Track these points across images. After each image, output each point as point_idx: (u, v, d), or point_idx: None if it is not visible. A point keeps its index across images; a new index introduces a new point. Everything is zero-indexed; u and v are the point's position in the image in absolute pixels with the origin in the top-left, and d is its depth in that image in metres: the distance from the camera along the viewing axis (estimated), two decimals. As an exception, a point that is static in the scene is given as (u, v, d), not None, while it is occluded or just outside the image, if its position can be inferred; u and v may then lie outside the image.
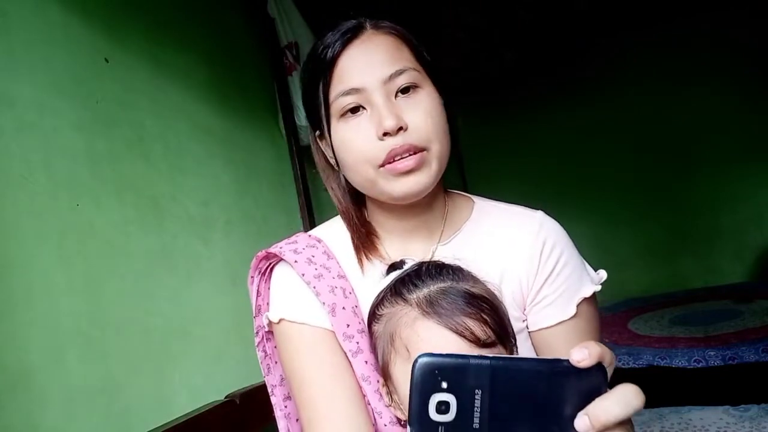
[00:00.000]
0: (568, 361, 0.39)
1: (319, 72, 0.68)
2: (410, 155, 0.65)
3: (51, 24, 1.36)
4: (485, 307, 0.59)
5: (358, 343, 0.69)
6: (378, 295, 0.67)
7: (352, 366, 0.69)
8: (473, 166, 4.39)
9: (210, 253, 1.76)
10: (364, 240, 0.75)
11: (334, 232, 0.80)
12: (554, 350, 0.71)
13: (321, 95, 0.69)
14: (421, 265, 0.66)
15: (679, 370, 2.37)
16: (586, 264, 0.76)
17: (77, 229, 1.33)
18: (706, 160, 3.78)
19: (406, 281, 0.63)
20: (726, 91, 3.65)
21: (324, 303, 0.69)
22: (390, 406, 0.65)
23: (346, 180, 0.74)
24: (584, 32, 3.73)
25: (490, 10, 3.10)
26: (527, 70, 4.04)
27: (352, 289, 0.73)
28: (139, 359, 1.41)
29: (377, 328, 0.65)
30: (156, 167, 1.62)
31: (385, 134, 0.65)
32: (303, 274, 0.72)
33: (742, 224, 3.73)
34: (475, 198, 0.82)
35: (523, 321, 0.72)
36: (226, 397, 1.09)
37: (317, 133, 0.74)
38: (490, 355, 0.39)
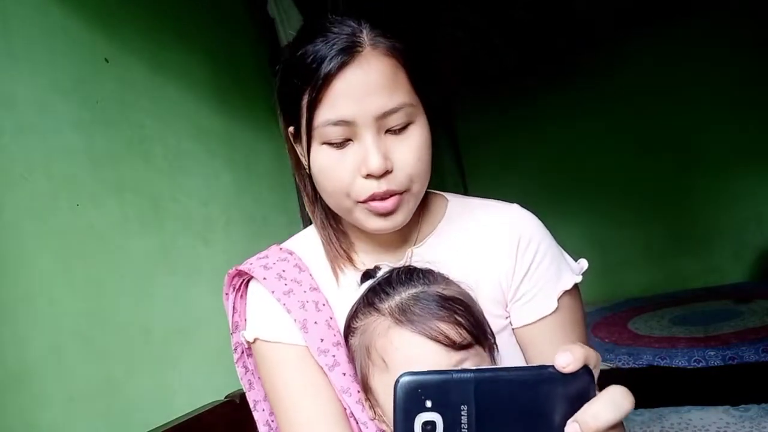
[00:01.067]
0: (553, 366, 0.37)
1: (306, 85, 0.62)
2: (389, 197, 0.64)
3: (51, 24, 1.36)
4: (458, 309, 0.58)
5: (334, 356, 0.67)
6: (351, 308, 0.66)
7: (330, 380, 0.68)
8: (473, 166, 4.39)
9: (210, 253, 1.76)
10: (338, 250, 0.73)
11: (307, 242, 0.78)
12: (539, 346, 0.70)
13: (304, 109, 0.63)
14: (391, 272, 0.65)
15: (679, 370, 2.37)
16: (566, 255, 0.74)
17: (77, 229, 1.33)
18: (706, 159, 3.78)
19: (378, 290, 0.62)
20: (726, 90, 3.65)
21: (295, 320, 0.68)
22: (374, 419, 0.64)
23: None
24: (584, 32, 3.73)
25: (490, 10, 3.10)
26: (527, 70, 4.03)
27: (326, 301, 0.71)
28: (139, 359, 1.41)
29: (353, 341, 0.64)
30: (156, 167, 1.62)
31: (369, 175, 0.62)
32: (273, 291, 0.70)
33: (742, 224, 3.73)
34: (449, 196, 0.80)
35: (506, 318, 0.71)
36: (226, 397, 1.09)
37: (292, 129, 0.70)
38: (473, 368, 0.38)
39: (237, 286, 0.76)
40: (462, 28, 3.21)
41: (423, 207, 0.75)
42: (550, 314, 0.69)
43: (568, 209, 3.91)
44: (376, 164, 0.61)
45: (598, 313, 3.41)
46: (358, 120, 0.61)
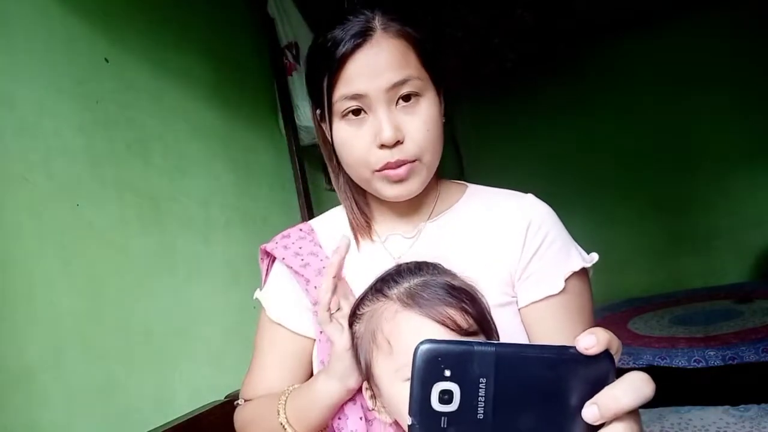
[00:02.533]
0: (575, 348, 0.37)
1: (325, 67, 0.70)
2: (401, 165, 0.70)
3: (51, 24, 1.36)
4: (465, 299, 0.59)
5: None
6: (358, 298, 0.68)
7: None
8: (473, 166, 4.39)
9: (210, 253, 1.76)
10: (360, 218, 0.81)
11: (331, 218, 0.89)
12: (543, 326, 0.72)
13: (325, 89, 0.71)
14: (399, 265, 0.67)
15: (679, 370, 2.37)
16: (577, 245, 0.77)
17: (77, 229, 1.33)
18: (706, 159, 3.78)
19: (387, 279, 0.64)
20: (726, 90, 3.65)
21: (315, 287, 0.77)
22: (373, 409, 0.65)
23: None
24: (584, 32, 3.73)
25: (490, 10, 3.10)
26: (527, 70, 4.03)
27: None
28: (139, 359, 1.41)
29: (358, 327, 0.64)
30: (156, 167, 1.62)
31: (382, 145, 0.69)
32: (291, 266, 0.81)
33: (742, 224, 3.73)
34: (470, 185, 0.86)
35: (512, 297, 0.73)
36: (226, 397, 1.09)
37: (318, 111, 0.77)
38: (496, 342, 0.38)
39: (271, 255, 0.87)
40: (462, 28, 3.21)
41: (441, 186, 0.83)
42: (557, 294, 0.72)
43: (568, 209, 3.89)
44: (388, 135, 0.68)
45: (598, 313, 3.41)
46: (370, 93, 0.68)
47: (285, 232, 0.87)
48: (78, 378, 1.24)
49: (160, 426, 0.91)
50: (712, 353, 2.34)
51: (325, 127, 0.77)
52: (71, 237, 1.31)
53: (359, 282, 0.73)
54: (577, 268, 0.73)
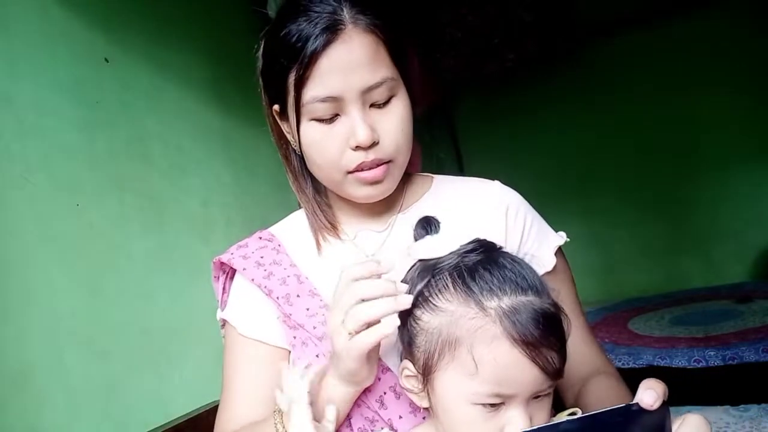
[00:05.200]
0: (637, 404, 0.42)
1: (291, 62, 0.65)
2: (377, 167, 0.67)
3: (51, 24, 1.36)
4: (559, 333, 0.55)
5: (323, 315, 0.70)
6: (418, 268, 0.60)
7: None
8: (473, 166, 4.39)
9: (210, 253, 1.76)
10: (323, 221, 0.77)
11: (290, 224, 0.84)
12: None
13: (291, 87, 0.66)
14: (481, 249, 0.59)
15: (679, 370, 2.37)
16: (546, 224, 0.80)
17: (77, 229, 1.33)
18: (706, 159, 3.77)
19: (475, 275, 0.56)
20: (726, 90, 3.65)
21: (278, 297, 0.72)
22: (404, 389, 0.61)
23: (304, 161, 0.75)
24: (584, 31, 3.73)
25: (490, 10, 3.10)
26: (527, 70, 4.03)
27: (306, 277, 0.75)
28: (139, 359, 1.41)
29: (430, 318, 0.57)
30: (156, 167, 1.62)
31: (358, 147, 0.66)
32: (252, 279, 0.76)
33: (743, 224, 3.72)
34: (436, 176, 0.85)
35: None
36: (226, 397, 1.09)
37: (277, 107, 0.73)
38: (574, 418, 0.42)
39: (227, 270, 0.84)
40: (462, 28, 3.21)
41: (407, 180, 0.80)
42: (550, 271, 0.74)
43: (568, 209, 3.90)
44: (364, 136, 0.64)
45: (598, 313, 3.40)
46: (345, 95, 0.64)
47: (241, 242, 0.83)
48: (78, 378, 1.24)
49: (160, 426, 0.91)
50: (712, 353, 2.34)
51: (285, 125, 0.73)
52: (71, 237, 1.31)
53: (327, 284, 0.70)
54: (561, 243, 0.76)
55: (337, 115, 0.66)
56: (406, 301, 0.56)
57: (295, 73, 0.65)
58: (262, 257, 0.78)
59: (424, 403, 0.60)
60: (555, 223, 0.83)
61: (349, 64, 0.64)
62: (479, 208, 0.76)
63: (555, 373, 0.54)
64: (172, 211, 1.65)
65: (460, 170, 4.42)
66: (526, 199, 0.81)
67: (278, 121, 0.75)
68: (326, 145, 0.67)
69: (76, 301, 1.29)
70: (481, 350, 0.53)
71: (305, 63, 0.63)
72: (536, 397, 0.54)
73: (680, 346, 2.51)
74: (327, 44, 0.63)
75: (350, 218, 0.78)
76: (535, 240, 0.76)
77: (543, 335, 0.53)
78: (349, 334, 0.57)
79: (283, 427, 0.61)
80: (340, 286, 0.60)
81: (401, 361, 0.62)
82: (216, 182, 1.88)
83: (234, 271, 0.82)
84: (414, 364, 0.59)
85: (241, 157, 2.04)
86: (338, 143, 0.66)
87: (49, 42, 1.35)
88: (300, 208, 0.83)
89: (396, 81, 0.68)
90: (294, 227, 0.83)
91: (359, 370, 0.59)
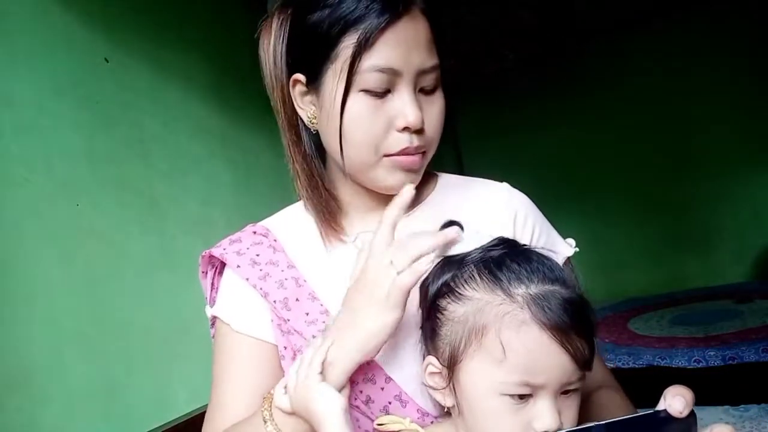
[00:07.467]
0: (665, 411, 0.42)
1: (351, 26, 0.61)
2: (417, 154, 0.65)
3: (51, 24, 1.36)
4: (591, 322, 0.54)
5: (323, 322, 0.66)
6: (447, 265, 0.59)
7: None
8: (473, 166, 4.39)
9: (210, 253, 1.77)
10: (328, 214, 0.72)
11: (286, 218, 0.79)
12: None
13: (347, 52, 0.61)
14: (505, 243, 0.59)
15: (679, 370, 2.37)
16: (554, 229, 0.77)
17: (77, 229, 1.33)
18: (706, 159, 3.78)
19: (501, 266, 0.55)
20: (726, 91, 3.65)
21: (275, 301, 0.68)
22: (427, 385, 0.59)
23: (317, 145, 0.71)
24: (584, 31, 3.73)
25: (490, 10, 3.10)
26: (527, 70, 4.04)
27: (305, 279, 0.70)
28: (139, 359, 1.41)
29: (455, 308, 0.55)
30: (156, 167, 1.62)
31: (405, 128, 0.63)
32: (247, 279, 0.70)
33: (742, 224, 3.73)
34: (441, 174, 0.81)
35: None
36: (226, 397, 1.08)
37: (297, 76, 0.67)
38: (602, 423, 0.43)
39: (215, 265, 0.77)
40: (462, 28, 3.21)
41: None
42: None
43: (568, 209, 3.91)
44: (414, 116, 0.62)
45: (597, 313, 3.37)
46: (404, 71, 0.62)
47: (233, 236, 0.77)
48: (78, 378, 1.24)
49: (160, 426, 0.91)
50: (712, 353, 2.34)
51: (306, 98, 0.68)
52: (71, 237, 1.31)
53: (330, 289, 0.67)
54: (570, 254, 0.73)
55: (388, 91, 0.62)
56: (453, 234, 0.57)
57: (357, 37, 0.60)
58: (257, 255, 0.73)
59: (449, 401, 0.58)
60: (555, 222, 0.83)
61: (414, 40, 0.62)
62: (484, 213, 0.73)
63: (585, 362, 0.52)
64: (171, 211, 1.65)
65: (460, 169, 4.42)
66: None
67: (293, 95, 0.69)
68: (373, 121, 0.62)
69: (76, 301, 1.29)
70: (509, 336, 0.51)
71: (371, 29, 0.60)
72: (565, 392, 0.52)
73: (680, 346, 2.52)
74: (397, 17, 0.61)
75: (354, 214, 0.74)
76: (543, 248, 0.73)
77: (573, 321, 0.51)
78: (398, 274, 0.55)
79: (270, 414, 0.60)
80: (383, 235, 0.59)
81: (424, 358, 0.60)
82: (216, 182, 1.88)
83: (223, 265, 0.76)
84: (438, 358, 0.57)
85: (240, 157, 2.04)
86: (384, 122, 0.63)
87: (49, 42, 1.34)
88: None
89: (438, 73, 0.66)
90: (290, 223, 0.78)
91: (395, 322, 0.56)
